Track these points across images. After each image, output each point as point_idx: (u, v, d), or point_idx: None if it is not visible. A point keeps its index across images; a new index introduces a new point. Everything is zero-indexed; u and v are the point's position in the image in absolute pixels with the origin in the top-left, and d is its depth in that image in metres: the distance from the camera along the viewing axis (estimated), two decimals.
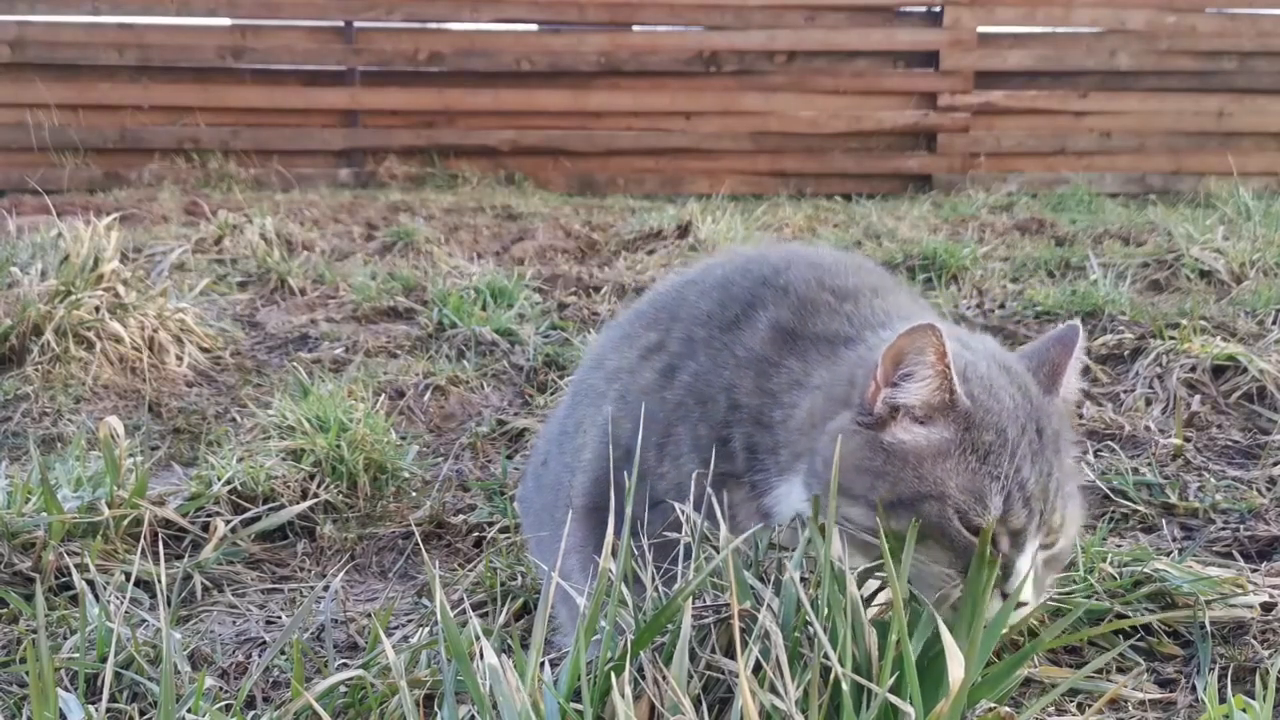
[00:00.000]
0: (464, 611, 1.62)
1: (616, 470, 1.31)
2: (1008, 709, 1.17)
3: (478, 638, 1.17)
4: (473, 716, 1.17)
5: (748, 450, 1.28)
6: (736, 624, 1.09)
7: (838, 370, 1.25)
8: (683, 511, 1.24)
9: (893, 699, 1.06)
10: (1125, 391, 2.72)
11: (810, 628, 1.10)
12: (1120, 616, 1.54)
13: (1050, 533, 1.19)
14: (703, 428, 1.30)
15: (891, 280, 1.49)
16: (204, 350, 3.17)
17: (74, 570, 1.69)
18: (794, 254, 1.47)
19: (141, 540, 1.88)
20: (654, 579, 1.20)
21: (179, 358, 3.04)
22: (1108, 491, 2.13)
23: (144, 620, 1.62)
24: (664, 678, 1.08)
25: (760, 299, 1.36)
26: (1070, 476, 1.21)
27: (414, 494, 2.25)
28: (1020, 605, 1.17)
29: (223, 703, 1.39)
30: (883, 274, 1.52)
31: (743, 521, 1.27)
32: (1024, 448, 1.16)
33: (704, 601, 1.18)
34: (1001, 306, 3.62)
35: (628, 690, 1.05)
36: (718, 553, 1.18)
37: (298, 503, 2.09)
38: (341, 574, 1.92)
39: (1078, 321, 1.28)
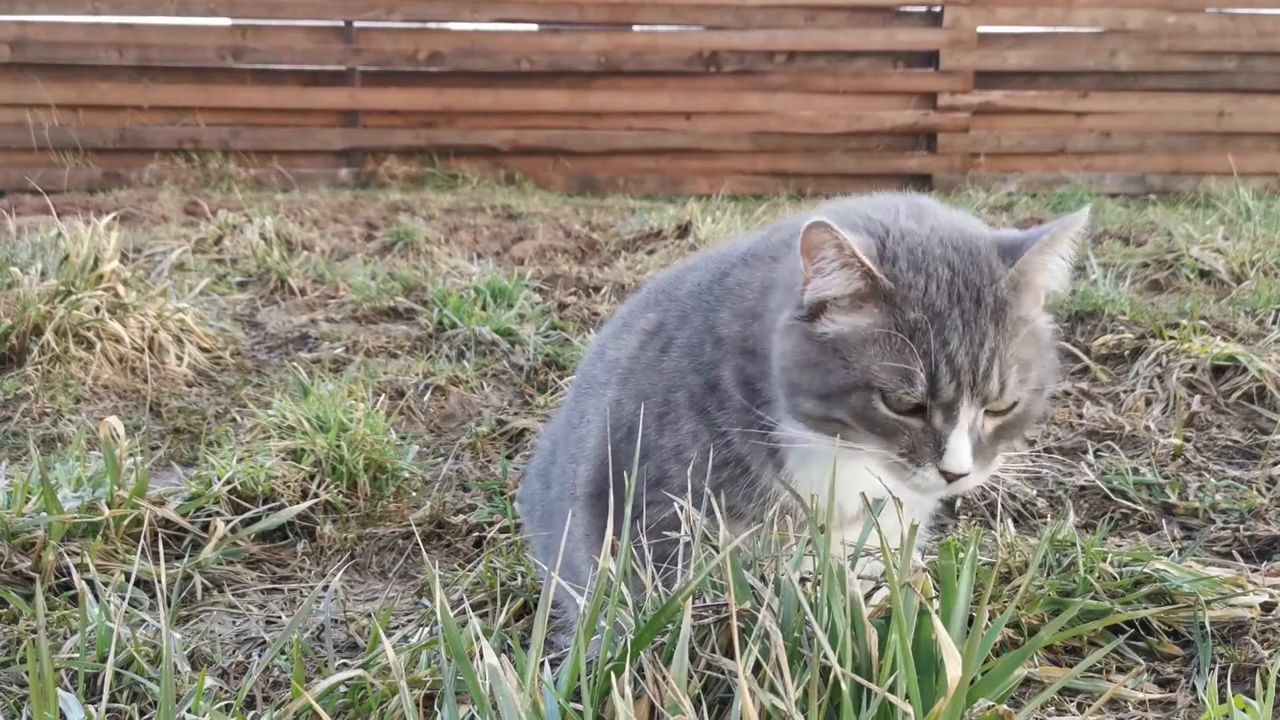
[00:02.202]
0: (464, 611, 1.62)
1: (619, 452, 1.31)
2: (1006, 708, 1.17)
3: (478, 638, 1.17)
4: (473, 716, 1.17)
5: (743, 384, 1.28)
6: (735, 624, 1.09)
7: (784, 267, 1.26)
8: (682, 508, 1.24)
9: (892, 698, 1.06)
10: (1125, 391, 2.72)
11: (809, 627, 1.10)
12: (1120, 616, 1.54)
13: (991, 400, 1.17)
14: (694, 379, 1.30)
15: None
16: (204, 350, 3.17)
17: (74, 570, 1.69)
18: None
19: (141, 540, 1.88)
20: (654, 578, 1.20)
21: (179, 358, 3.04)
22: (1108, 491, 2.13)
23: (144, 620, 1.62)
24: (664, 678, 1.08)
25: (747, 248, 1.39)
26: (1021, 341, 1.18)
27: (414, 494, 2.25)
28: (959, 477, 1.17)
29: (223, 703, 1.40)
30: None
31: (757, 471, 1.28)
32: (954, 318, 1.15)
33: (704, 601, 1.18)
34: None
35: (628, 690, 1.05)
36: (717, 551, 1.18)
37: (298, 503, 2.09)
38: (341, 574, 1.92)
39: (1085, 209, 1.25)
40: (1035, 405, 1.23)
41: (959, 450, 1.16)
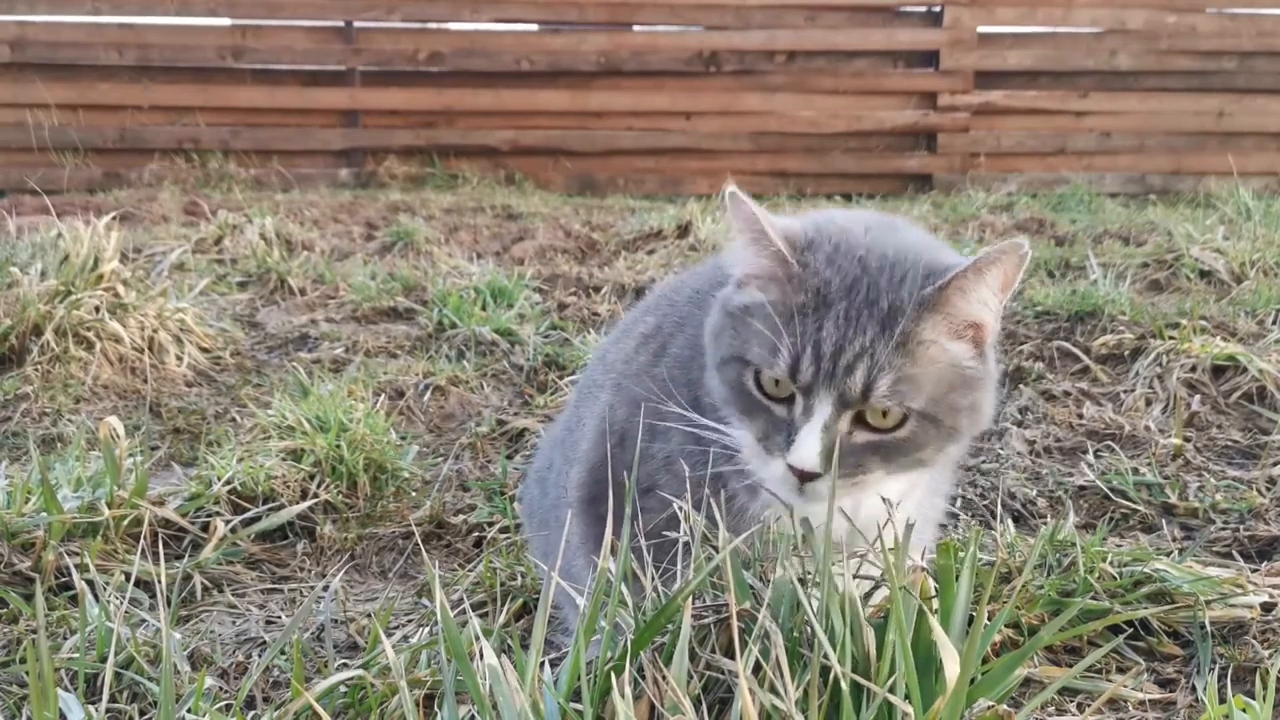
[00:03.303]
0: (464, 611, 1.62)
1: (612, 458, 1.31)
2: (1006, 708, 1.17)
3: (478, 638, 1.17)
4: (473, 716, 1.17)
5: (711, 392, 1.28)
6: (736, 624, 1.09)
7: None
8: (681, 509, 1.23)
9: (891, 698, 1.06)
10: (1125, 391, 2.72)
11: (809, 627, 1.10)
12: (1120, 616, 1.54)
13: (851, 398, 1.12)
14: (685, 392, 1.30)
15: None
16: (204, 350, 3.17)
17: (74, 570, 1.69)
18: None
19: (141, 540, 1.88)
20: (653, 579, 1.20)
21: (179, 358, 3.04)
22: (1108, 491, 2.13)
23: (144, 620, 1.62)
24: (664, 678, 1.08)
25: None
26: (915, 359, 1.13)
27: (414, 494, 2.25)
28: (808, 477, 1.12)
29: (223, 703, 1.40)
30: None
31: (733, 487, 1.27)
32: (838, 310, 1.13)
33: (703, 601, 1.18)
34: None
35: (628, 690, 1.05)
36: (717, 551, 1.18)
37: (298, 503, 2.09)
38: (341, 574, 1.92)
39: (1021, 239, 1.17)
40: (926, 435, 1.15)
41: (805, 444, 1.12)
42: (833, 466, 1.12)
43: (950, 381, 1.15)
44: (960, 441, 1.21)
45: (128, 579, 1.77)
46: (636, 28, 7.61)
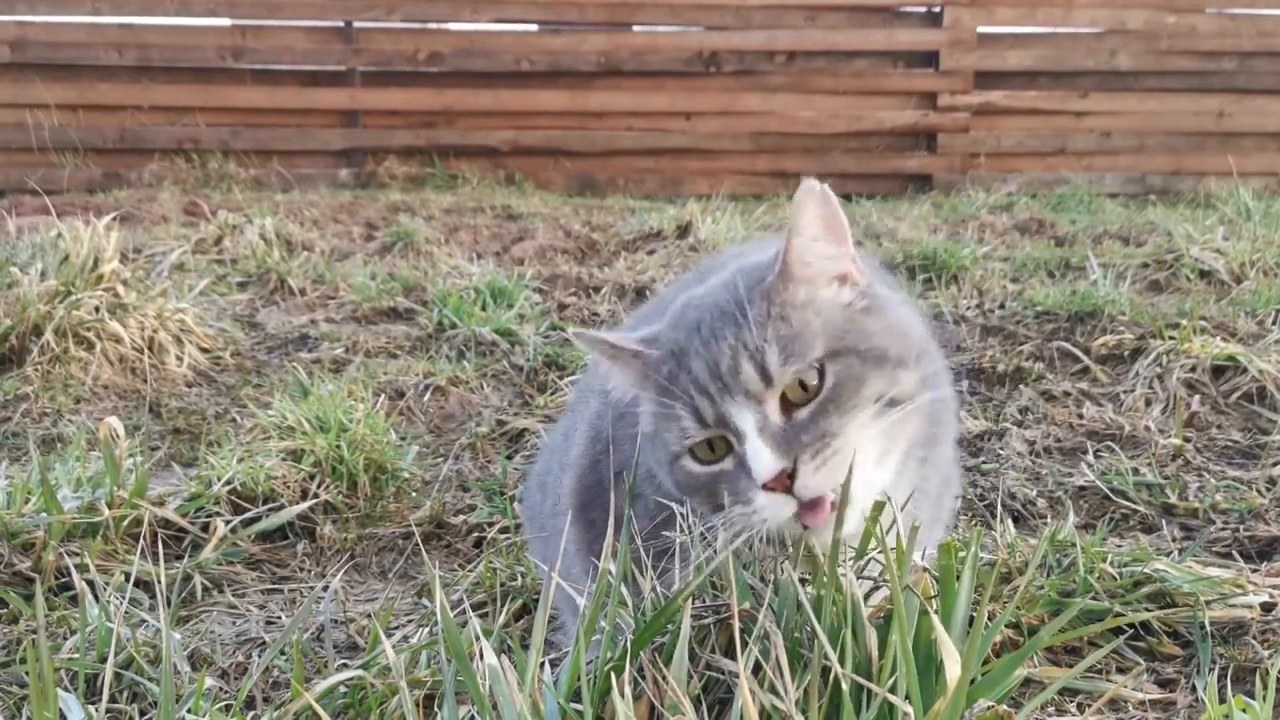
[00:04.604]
0: (464, 611, 1.62)
1: (600, 465, 1.32)
2: (1006, 708, 1.17)
3: (478, 638, 1.17)
4: (473, 716, 1.17)
5: None
6: (736, 624, 1.09)
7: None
8: (682, 516, 1.23)
9: (892, 699, 1.06)
10: (1125, 391, 2.72)
11: (809, 627, 1.10)
12: (1120, 616, 1.54)
13: (755, 390, 1.08)
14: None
15: None
16: (204, 350, 3.17)
17: (74, 570, 1.69)
18: None
19: (141, 540, 1.88)
20: (653, 583, 1.20)
21: (179, 358, 3.04)
22: (1108, 492, 2.13)
23: (144, 620, 1.62)
24: (664, 678, 1.08)
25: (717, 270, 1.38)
26: (786, 322, 1.11)
27: (414, 494, 2.25)
28: (779, 485, 1.06)
29: (223, 703, 1.40)
30: None
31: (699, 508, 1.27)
32: (694, 347, 1.13)
33: (703, 602, 1.18)
34: (1001, 306, 3.62)
35: (627, 690, 1.05)
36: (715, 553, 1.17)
37: (298, 503, 2.09)
38: (341, 574, 1.92)
39: (812, 180, 1.13)
40: (855, 369, 1.09)
41: (756, 456, 1.07)
42: (800, 450, 1.07)
43: (844, 319, 1.13)
44: (907, 367, 1.13)
45: (128, 579, 1.77)
46: (636, 28, 7.61)
